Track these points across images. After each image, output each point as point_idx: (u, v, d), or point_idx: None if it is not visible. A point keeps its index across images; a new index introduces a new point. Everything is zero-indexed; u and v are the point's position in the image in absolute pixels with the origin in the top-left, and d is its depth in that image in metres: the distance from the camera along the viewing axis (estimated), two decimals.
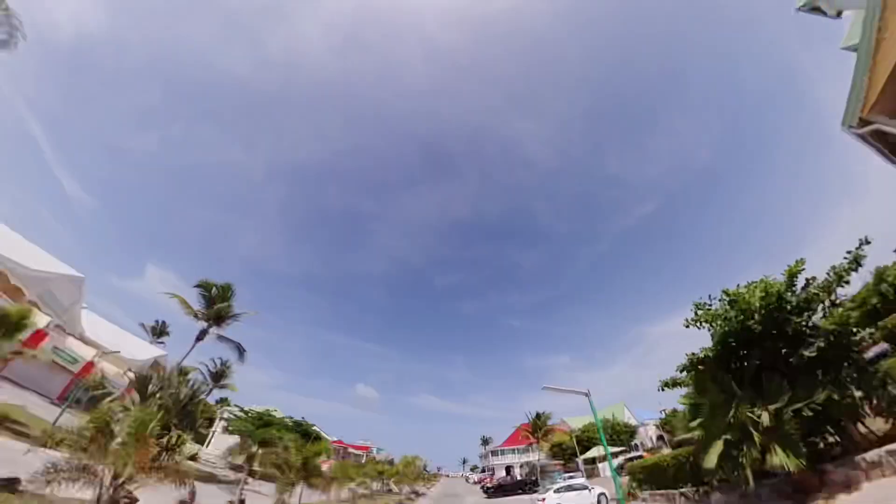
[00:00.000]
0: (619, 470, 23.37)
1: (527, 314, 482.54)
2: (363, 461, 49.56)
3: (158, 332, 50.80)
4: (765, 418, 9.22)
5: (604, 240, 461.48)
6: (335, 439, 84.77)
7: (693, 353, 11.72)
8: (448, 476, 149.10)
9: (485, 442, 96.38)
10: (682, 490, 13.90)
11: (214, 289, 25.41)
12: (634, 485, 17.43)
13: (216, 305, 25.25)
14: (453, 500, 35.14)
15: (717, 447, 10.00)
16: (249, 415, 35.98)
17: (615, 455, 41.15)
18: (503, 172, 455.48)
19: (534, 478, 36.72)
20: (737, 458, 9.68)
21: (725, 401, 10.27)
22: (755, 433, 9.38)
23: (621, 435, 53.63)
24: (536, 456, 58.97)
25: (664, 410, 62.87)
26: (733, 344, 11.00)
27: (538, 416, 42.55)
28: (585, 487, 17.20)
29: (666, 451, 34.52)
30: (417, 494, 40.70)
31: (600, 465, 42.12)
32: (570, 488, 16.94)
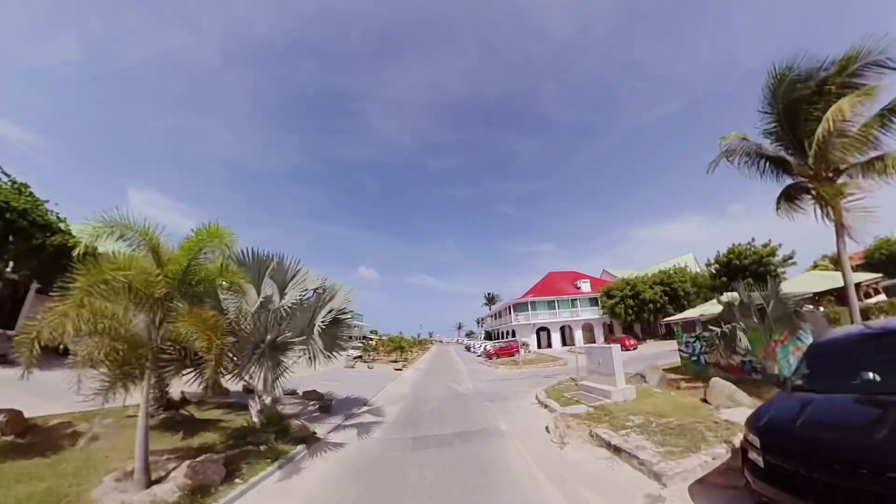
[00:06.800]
0: None
1: (519, 203, 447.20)
2: None
3: None
4: None
5: (613, 135, 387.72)
6: None
7: None
8: (442, 342, 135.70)
9: (490, 300, 71.13)
10: None
11: None
12: None
13: None
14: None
15: None
16: None
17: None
18: (509, 44, 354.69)
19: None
20: None
21: None
22: None
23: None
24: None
25: None
26: None
27: None
28: None
29: None
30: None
31: None
32: None
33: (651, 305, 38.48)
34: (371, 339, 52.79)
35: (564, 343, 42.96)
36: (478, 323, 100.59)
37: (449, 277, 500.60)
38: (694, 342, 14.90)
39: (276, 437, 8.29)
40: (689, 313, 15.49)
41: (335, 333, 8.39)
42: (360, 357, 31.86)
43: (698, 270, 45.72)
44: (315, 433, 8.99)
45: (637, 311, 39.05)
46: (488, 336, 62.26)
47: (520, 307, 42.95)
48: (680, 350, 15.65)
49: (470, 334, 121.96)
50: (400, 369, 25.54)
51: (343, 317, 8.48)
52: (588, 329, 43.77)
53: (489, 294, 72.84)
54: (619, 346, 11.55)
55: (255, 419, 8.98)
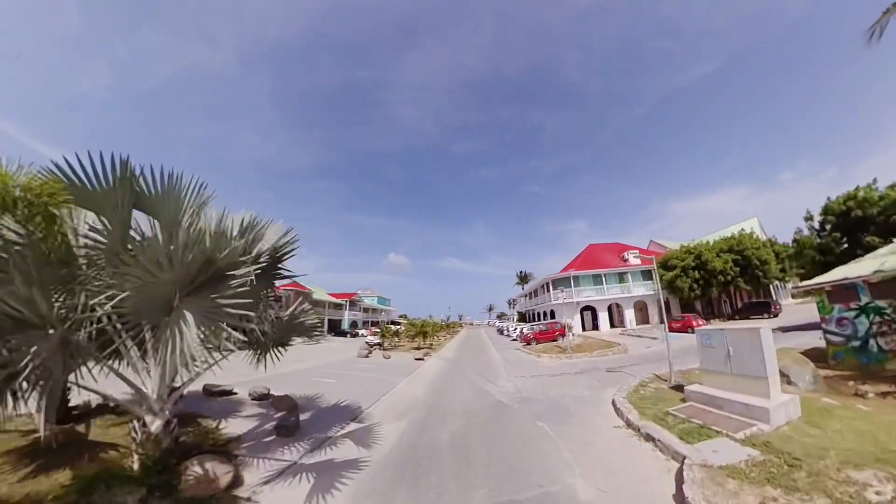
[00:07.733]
0: None
1: (548, 180, 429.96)
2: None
3: None
4: None
5: (643, 102, 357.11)
6: (284, 282, 54.74)
7: None
8: (472, 324, 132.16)
9: (523, 279, 65.81)
10: None
11: None
12: None
13: None
14: None
15: None
16: None
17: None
18: (525, 11, 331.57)
19: None
20: None
21: None
22: None
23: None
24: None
25: None
26: None
27: None
28: None
29: None
30: None
31: None
32: None
33: (720, 277, 32.09)
34: (399, 324, 49.76)
35: (612, 324, 37.52)
36: (509, 304, 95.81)
37: (478, 259, 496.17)
38: (856, 318, 9.66)
39: (155, 494, 4.44)
40: (852, 269, 10.11)
41: (216, 304, 4.02)
42: (378, 345, 28.45)
43: (766, 237, 38.47)
44: (235, 487, 5.06)
45: (703, 284, 32.82)
46: (522, 318, 57.49)
47: (560, 283, 37.57)
48: (826, 331, 10.42)
49: (501, 316, 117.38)
50: (421, 359, 21.71)
51: (233, 272, 4.19)
52: (640, 308, 37.95)
53: (521, 272, 67.22)
54: (768, 329, 6.69)
55: (135, 456, 5.17)
